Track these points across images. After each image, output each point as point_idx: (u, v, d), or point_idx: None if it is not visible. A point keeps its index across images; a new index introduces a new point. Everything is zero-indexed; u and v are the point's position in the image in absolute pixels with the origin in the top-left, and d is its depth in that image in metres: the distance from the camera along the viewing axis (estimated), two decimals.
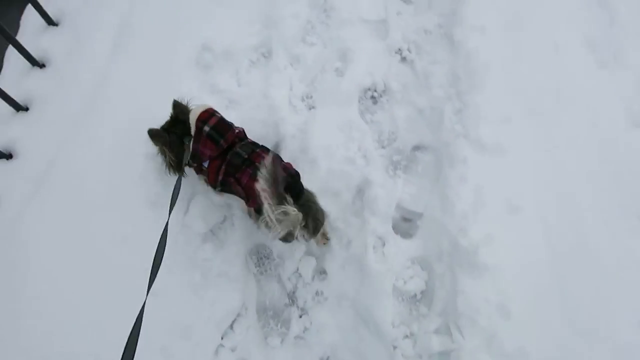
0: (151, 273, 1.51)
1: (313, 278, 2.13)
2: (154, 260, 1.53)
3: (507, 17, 2.52)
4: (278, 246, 2.16)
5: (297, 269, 2.14)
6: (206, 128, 1.82)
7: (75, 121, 2.32)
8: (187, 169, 2.00)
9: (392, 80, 2.47)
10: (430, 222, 2.15)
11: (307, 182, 2.17)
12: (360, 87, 2.44)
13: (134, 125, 2.05)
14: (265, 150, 1.88)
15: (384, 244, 2.11)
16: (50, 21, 2.51)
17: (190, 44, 2.43)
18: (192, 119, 1.86)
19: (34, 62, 2.39)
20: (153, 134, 1.87)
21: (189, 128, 1.87)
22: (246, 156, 1.80)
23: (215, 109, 1.92)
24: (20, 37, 2.43)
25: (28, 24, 2.55)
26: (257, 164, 1.73)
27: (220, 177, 1.85)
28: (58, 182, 2.21)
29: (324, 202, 2.14)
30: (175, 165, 1.94)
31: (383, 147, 2.35)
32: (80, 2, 2.60)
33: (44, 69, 2.43)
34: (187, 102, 1.94)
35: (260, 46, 2.52)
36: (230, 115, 2.30)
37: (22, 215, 2.14)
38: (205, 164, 1.89)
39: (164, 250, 1.57)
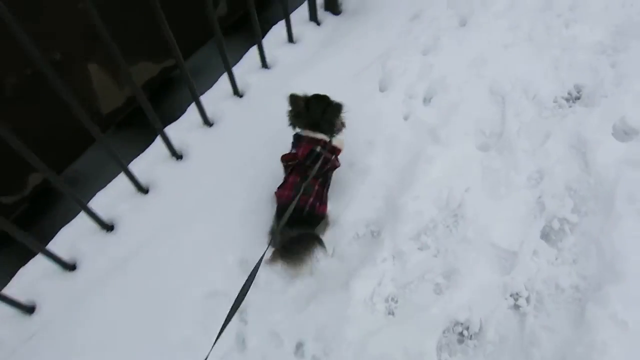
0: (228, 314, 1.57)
1: None
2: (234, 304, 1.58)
3: None
4: None
5: None
6: (317, 148, 2.20)
7: (217, 178, 2.54)
8: None
9: (490, 326, 2.14)
10: None
11: None
12: (451, 317, 2.16)
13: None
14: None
15: None
16: (237, 92, 2.86)
17: None
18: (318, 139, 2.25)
19: (206, 120, 2.71)
20: (294, 98, 2.23)
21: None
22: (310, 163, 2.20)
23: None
24: (206, 96, 2.84)
25: (219, 88, 2.92)
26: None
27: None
28: (171, 226, 2.41)
29: None
30: (293, 123, 2.31)
31: None
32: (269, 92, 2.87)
33: (211, 127, 2.75)
34: (334, 101, 2.24)
35: (372, 223, 2.42)
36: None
37: (129, 244, 2.37)
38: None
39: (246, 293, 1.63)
